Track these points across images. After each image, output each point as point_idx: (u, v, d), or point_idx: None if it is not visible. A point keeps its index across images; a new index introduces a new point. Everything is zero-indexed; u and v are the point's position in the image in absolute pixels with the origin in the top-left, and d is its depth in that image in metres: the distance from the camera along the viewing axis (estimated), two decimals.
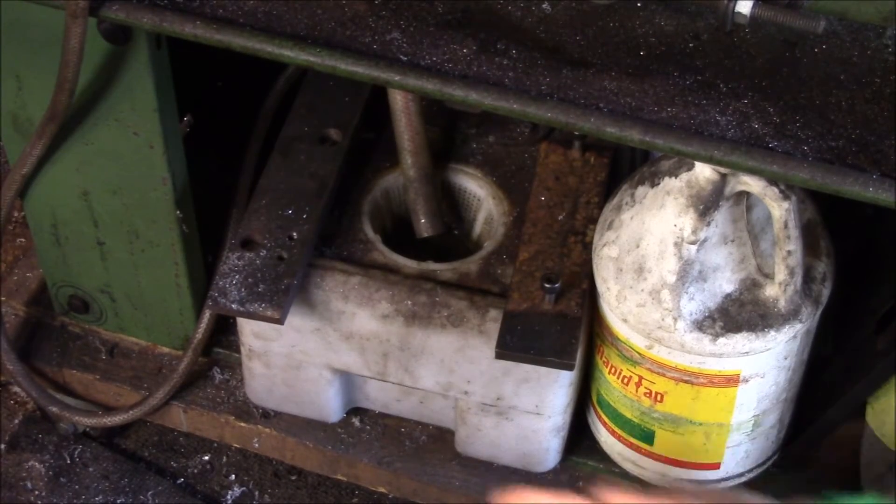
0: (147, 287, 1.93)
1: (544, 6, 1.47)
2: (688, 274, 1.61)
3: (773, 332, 1.63)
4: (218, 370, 2.04)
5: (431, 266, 1.80)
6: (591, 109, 1.38)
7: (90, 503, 1.97)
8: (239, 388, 2.02)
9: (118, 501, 1.98)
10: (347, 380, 1.89)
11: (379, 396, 1.91)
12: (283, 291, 1.70)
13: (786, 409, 1.81)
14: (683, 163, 1.60)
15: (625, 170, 1.87)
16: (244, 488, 2.02)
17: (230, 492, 2.01)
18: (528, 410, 1.80)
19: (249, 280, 1.71)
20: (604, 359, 1.78)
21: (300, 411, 1.95)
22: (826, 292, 1.68)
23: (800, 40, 1.44)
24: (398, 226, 1.93)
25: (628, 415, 1.80)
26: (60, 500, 1.97)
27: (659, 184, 1.62)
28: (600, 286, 1.69)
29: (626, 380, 1.75)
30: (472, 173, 1.91)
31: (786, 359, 1.70)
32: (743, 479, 1.86)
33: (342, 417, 1.96)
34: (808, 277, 1.66)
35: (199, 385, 2.03)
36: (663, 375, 1.70)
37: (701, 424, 1.75)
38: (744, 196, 1.59)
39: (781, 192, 1.53)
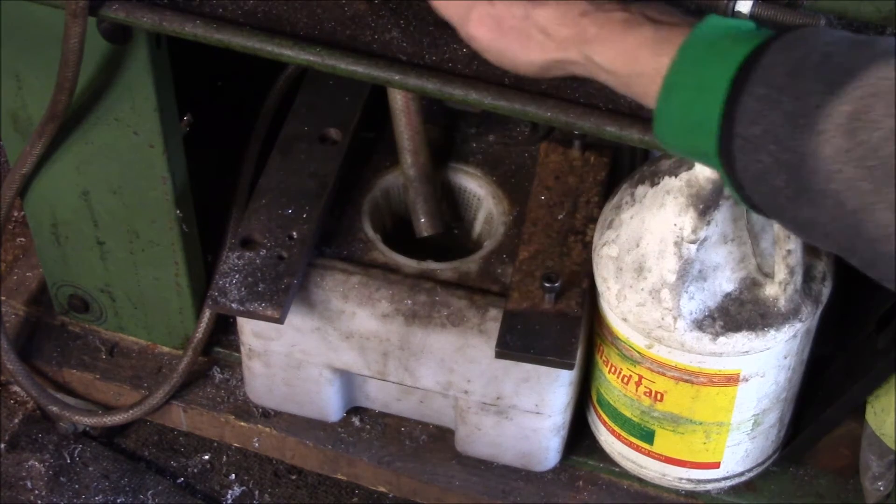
0: (147, 286, 1.93)
1: None
2: (688, 273, 1.61)
3: (773, 332, 1.63)
4: (218, 370, 2.04)
5: (431, 265, 1.80)
6: (591, 109, 1.38)
7: (90, 503, 1.97)
8: (239, 388, 2.02)
9: (118, 501, 1.98)
10: (347, 379, 1.89)
11: (379, 396, 1.91)
12: (283, 291, 1.70)
13: (786, 408, 1.81)
14: (683, 162, 1.60)
15: (625, 169, 1.87)
16: (244, 488, 2.02)
17: (230, 491, 2.01)
18: (528, 410, 1.80)
19: (249, 279, 1.71)
20: (604, 358, 1.78)
21: (300, 411, 1.95)
22: (826, 291, 1.68)
23: None
24: (398, 225, 1.93)
25: (628, 414, 1.80)
26: (60, 500, 1.97)
27: (659, 183, 1.62)
28: (600, 285, 1.69)
29: (626, 379, 1.75)
30: (472, 173, 1.91)
31: (786, 358, 1.70)
32: (743, 479, 1.86)
33: (342, 417, 1.96)
34: (808, 276, 1.66)
35: (199, 384, 2.03)
36: (663, 375, 1.70)
37: (701, 424, 1.75)
38: None
39: None
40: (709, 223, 1.59)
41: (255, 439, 2.01)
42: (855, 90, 1.07)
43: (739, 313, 1.63)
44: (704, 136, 1.17)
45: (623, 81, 1.25)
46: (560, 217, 1.78)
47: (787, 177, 1.11)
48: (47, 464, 2.00)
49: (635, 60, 1.23)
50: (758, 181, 1.14)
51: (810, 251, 1.67)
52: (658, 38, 1.22)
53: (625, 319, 1.67)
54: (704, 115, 1.16)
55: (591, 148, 1.84)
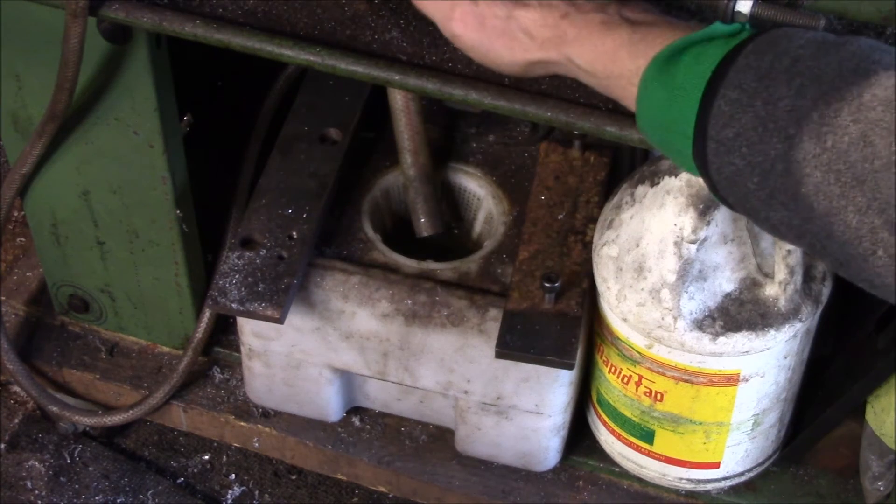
0: (147, 286, 1.93)
1: None
2: (688, 273, 1.61)
3: (773, 332, 1.63)
4: (218, 369, 2.04)
5: (431, 265, 1.80)
6: (591, 109, 1.38)
7: (90, 503, 1.97)
8: (239, 388, 2.02)
9: (118, 501, 1.98)
10: (347, 379, 1.89)
11: (379, 396, 1.91)
12: (283, 291, 1.70)
13: (786, 408, 1.81)
14: None
15: (625, 169, 1.87)
16: (244, 488, 2.02)
17: (230, 491, 2.01)
18: (528, 410, 1.80)
19: (249, 279, 1.71)
20: (604, 358, 1.78)
21: (300, 411, 1.95)
22: (826, 291, 1.68)
23: None
24: (398, 225, 1.93)
25: (628, 414, 1.80)
26: (60, 500, 1.97)
27: (659, 183, 1.62)
28: (600, 285, 1.69)
29: (626, 379, 1.75)
30: (472, 172, 1.91)
31: (786, 358, 1.70)
32: (743, 479, 1.86)
33: (342, 417, 1.96)
34: (808, 276, 1.66)
35: (199, 384, 2.03)
36: (663, 374, 1.70)
37: (701, 424, 1.75)
38: None
39: None
40: (709, 223, 1.59)
41: (255, 439, 2.01)
42: (823, 96, 1.08)
43: (739, 313, 1.63)
44: (680, 138, 1.18)
45: (603, 83, 1.27)
46: (560, 217, 1.78)
47: (759, 179, 1.12)
48: (47, 464, 2.00)
49: (613, 63, 1.25)
50: (731, 183, 1.16)
51: None
52: (635, 40, 1.24)
53: (625, 319, 1.67)
54: (680, 118, 1.18)
55: (591, 148, 1.84)
